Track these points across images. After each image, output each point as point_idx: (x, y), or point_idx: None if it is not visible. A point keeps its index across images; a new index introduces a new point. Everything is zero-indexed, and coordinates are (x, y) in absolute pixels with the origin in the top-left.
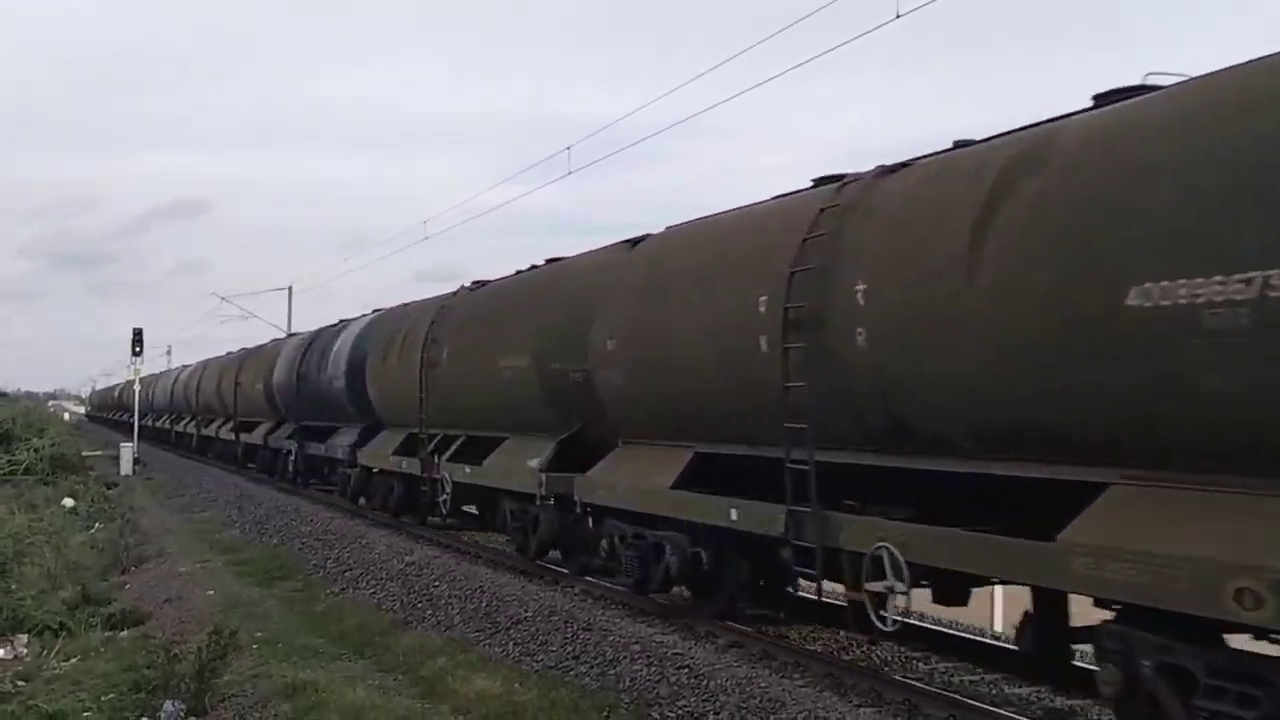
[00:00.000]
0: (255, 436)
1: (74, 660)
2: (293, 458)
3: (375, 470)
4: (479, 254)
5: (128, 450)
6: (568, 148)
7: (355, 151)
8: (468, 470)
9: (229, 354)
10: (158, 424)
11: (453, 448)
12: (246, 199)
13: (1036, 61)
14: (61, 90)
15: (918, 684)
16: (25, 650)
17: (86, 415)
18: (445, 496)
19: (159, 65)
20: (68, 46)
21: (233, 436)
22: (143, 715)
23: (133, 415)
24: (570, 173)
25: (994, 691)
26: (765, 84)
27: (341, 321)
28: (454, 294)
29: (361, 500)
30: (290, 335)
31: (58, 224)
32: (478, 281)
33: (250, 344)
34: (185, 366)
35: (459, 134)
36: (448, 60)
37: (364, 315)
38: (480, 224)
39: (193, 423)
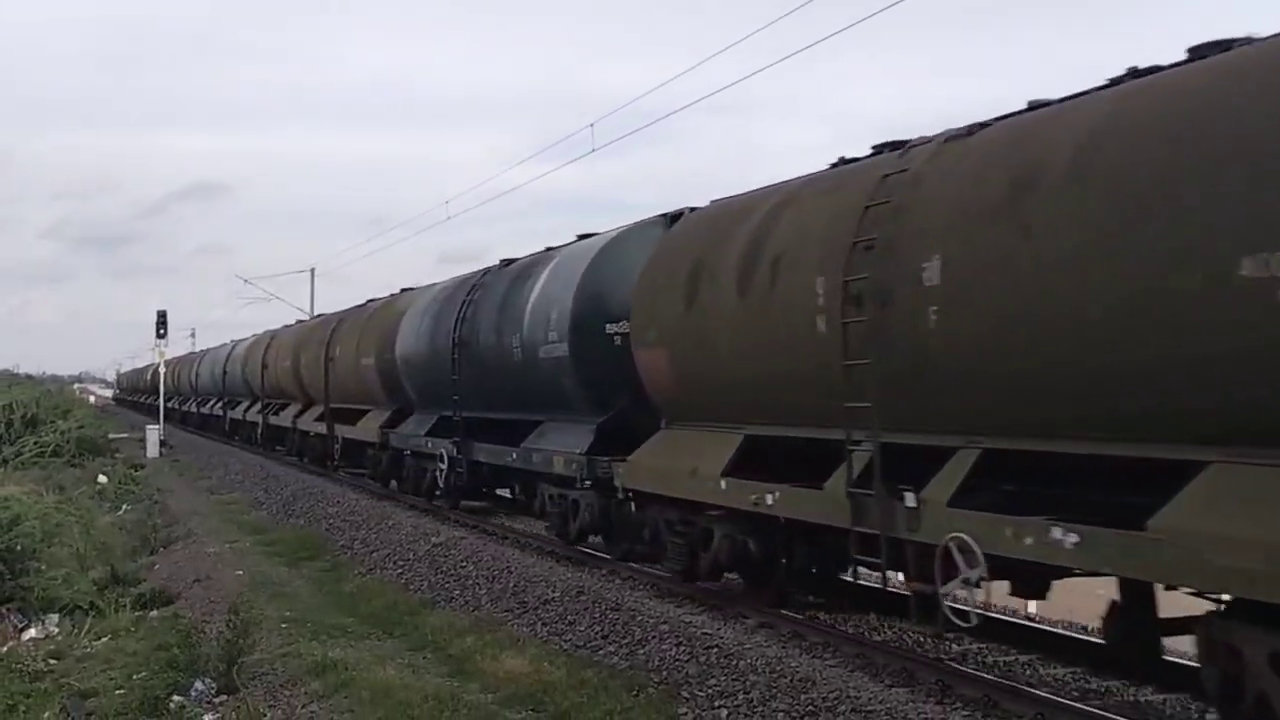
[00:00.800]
0: (362, 431)
1: (105, 640)
2: (445, 466)
3: (625, 496)
4: (503, 234)
5: (154, 433)
6: (591, 125)
7: (376, 131)
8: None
9: (301, 322)
10: (204, 409)
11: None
12: (266, 180)
13: (1077, 28)
14: (80, 70)
15: (951, 664)
16: (56, 630)
17: (115, 399)
18: (974, 581)
19: (176, 43)
20: (84, 25)
21: (322, 428)
22: (174, 693)
23: (173, 398)
24: (594, 150)
25: (1029, 672)
26: (794, 57)
27: (505, 262)
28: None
29: (593, 539)
30: (404, 290)
31: (80, 206)
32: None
33: (270, 326)
34: (238, 341)
35: (481, 112)
36: (469, 38)
37: (577, 240)
38: (503, 204)
39: (255, 408)
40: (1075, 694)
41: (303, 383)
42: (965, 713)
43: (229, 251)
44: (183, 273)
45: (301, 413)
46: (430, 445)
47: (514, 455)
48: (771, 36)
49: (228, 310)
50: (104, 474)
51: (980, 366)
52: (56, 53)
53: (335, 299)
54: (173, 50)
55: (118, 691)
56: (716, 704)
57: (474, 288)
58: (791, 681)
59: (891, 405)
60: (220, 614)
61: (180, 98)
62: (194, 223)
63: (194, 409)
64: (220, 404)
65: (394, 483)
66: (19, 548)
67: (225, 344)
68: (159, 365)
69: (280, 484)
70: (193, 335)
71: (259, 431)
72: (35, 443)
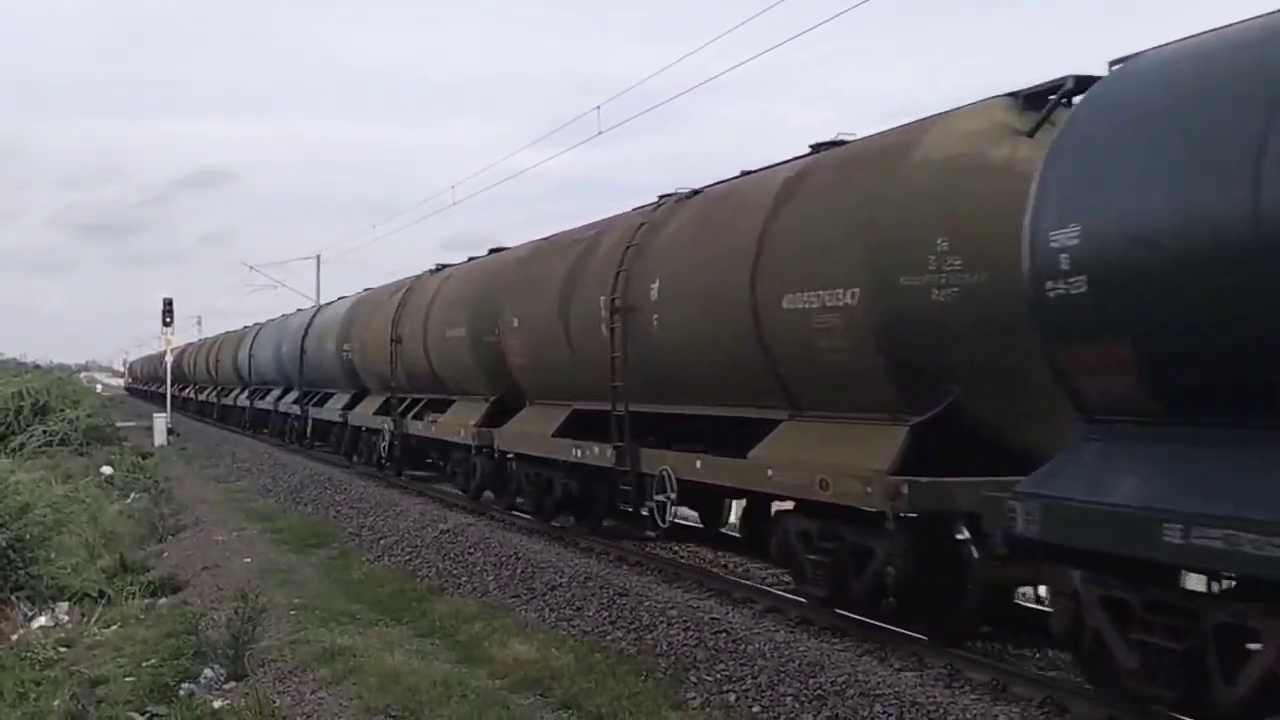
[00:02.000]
0: (790, 477)
1: (114, 627)
2: None
3: None
4: (508, 220)
5: (161, 421)
6: (597, 108)
7: (379, 117)
8: None
9: (445, 266)
10: (260, 403)
11: None
12: (271, 167)
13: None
14: (85, 57)
15: (960, 649)
16: (66, 618)
17: (127, 388)
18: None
19: (180, 29)
20: (89, 12)
21: (587, 453)
22: (183, 681)
23: (207, 388)
24: (600, 133)
25: (1038, 656)
26: (802, 36)
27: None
28: None
29: None
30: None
31: (85, 194)
32: None
33: (277, 313)
34: (324, 305)
35: (486, 98)
36: (472, 22)
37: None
38: (507, 189)
39: (372, 407)
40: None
41: (505, 361)
42: (974, 697)
43: (233, 239)
44: (188, 260)
45: (492, 419)
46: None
47: None
48: (781, 16)
49: (234, 297)
50: (109, 465)
51: None
52: (62, 40)
53: (340, 285)
54: (176, 36)
55: (127, 679)
56: (725, 688)
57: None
58: (800, 666)
59: None
60: (229, 601)
61: (183, 84)
62: (198, 210)
63: (241, 401)
64: (293, 398)
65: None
66: (28, 536)
67: (299, 311)
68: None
69: (288, 472)
70: (199, 323)
71: (384, 446)
72: (44, 431)
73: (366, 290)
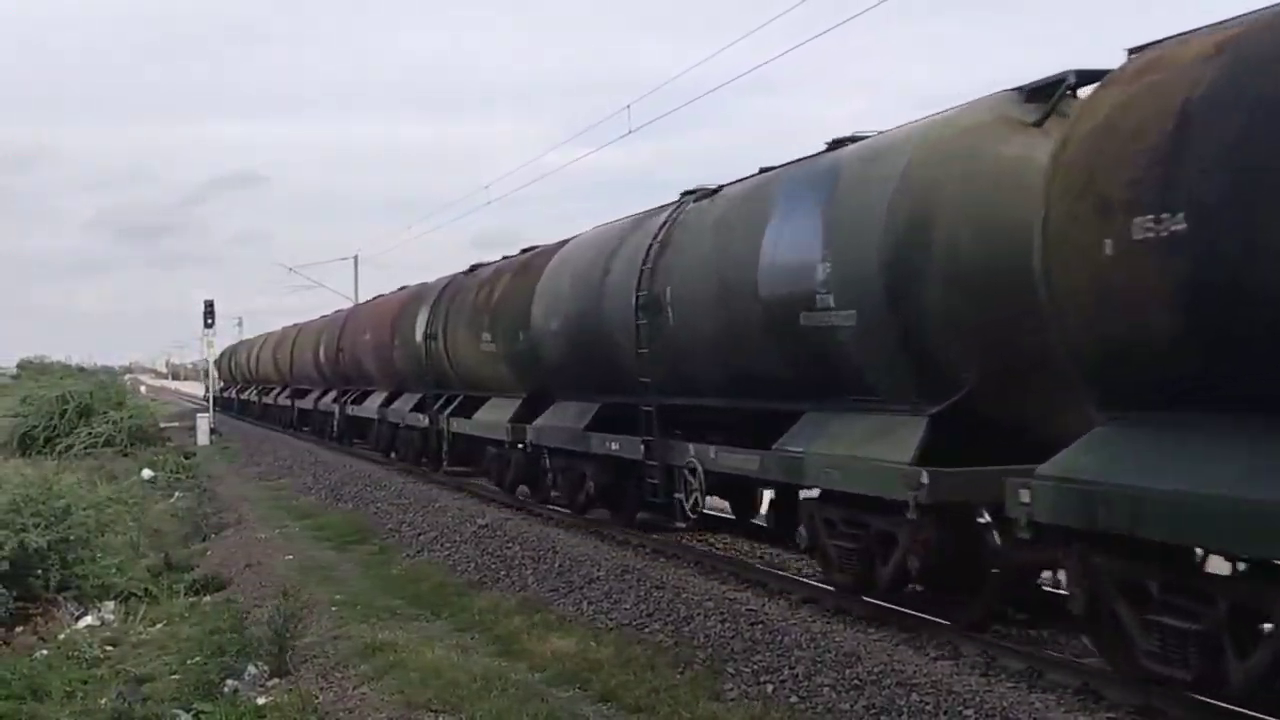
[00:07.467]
0: None
1: (159, 626)
2: None
3: None
4: (538, 218)
5: (204, 421)
6: (627, 106)
7: (406, 117)
8: None
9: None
10: (356, 410)
11: None
12: (302, 168)
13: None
14: (119, 62)
15: (994, 640)
16: (112, 617)
17: (218, 398)
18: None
19: (210, 32)
20: (121, 16)
21: None
22: (227, 677)
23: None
24: (630, 131)
25: (1074, 644)
26: (830, 31)
27: None
28: None
29: None
30: None
31: (121, 196)
32: None
33: (314, 315)
34: (452, 275)
35: (517, 97)
36: (504, 22)
37: None
38: (538, 188)
39: (551, 412)
40: None
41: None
42: (1010, 685)
43: (267, 239)
44: (223, 261)
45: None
46: None
47: None
48: (809, 11)
49: (271, 297)
50: (149, 467)
51: None
52: (96, 46)
53: (374, 285)
54: (206, 40)
55: (173, 676)
56: (762, 679)
57: None
58: (836, 656)
59: None
60: (271, 598)
61: (215, 87)
62: (231, 211)
63: (325, 406)
64: (412, 403)
65: None
66: (72, 537)
67: (403, 288)
68: (209, 356)
69: (328, 469)
70: (240, 323)
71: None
72: (88, 433)
73: (532, 249)
